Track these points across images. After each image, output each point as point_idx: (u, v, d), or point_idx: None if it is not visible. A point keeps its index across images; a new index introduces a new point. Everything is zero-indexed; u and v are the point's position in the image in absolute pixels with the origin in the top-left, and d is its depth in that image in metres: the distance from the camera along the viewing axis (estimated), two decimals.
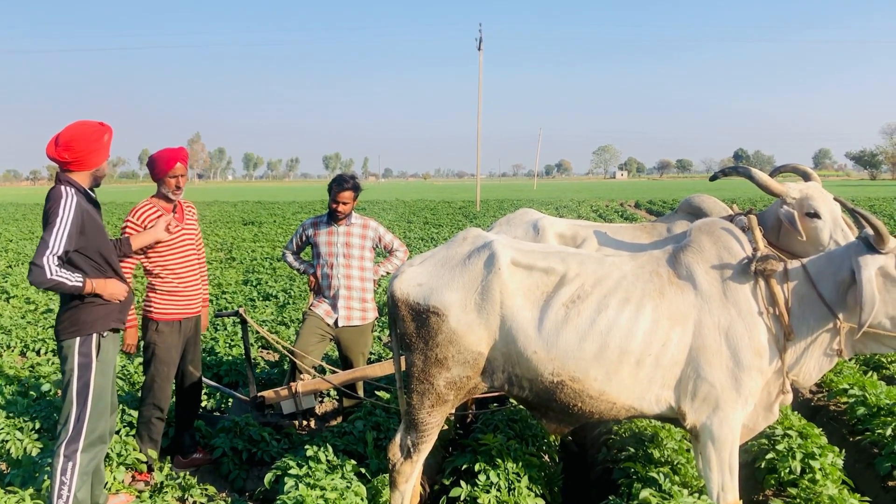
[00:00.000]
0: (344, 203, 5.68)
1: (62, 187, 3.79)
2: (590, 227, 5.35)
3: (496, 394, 5.67)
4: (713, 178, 5.30)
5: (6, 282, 13.13)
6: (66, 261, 3.76)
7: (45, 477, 4.26)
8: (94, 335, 3.86)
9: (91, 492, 4.03)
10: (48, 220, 3.71)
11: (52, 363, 7.14)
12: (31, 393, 6.18)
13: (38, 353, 8.18)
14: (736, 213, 4.78)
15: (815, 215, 4.60)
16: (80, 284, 3.76)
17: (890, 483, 4.57)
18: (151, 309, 4.87)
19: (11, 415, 5.51)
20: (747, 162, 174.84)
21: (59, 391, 6.21)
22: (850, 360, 6.82)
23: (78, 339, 3.83)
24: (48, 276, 3.64)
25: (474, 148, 38.75)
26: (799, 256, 4.19)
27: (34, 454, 4.91)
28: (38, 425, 5.44)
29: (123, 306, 4.06)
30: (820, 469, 4.33)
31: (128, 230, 4.73)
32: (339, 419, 5.94)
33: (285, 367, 7.05)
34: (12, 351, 8.23)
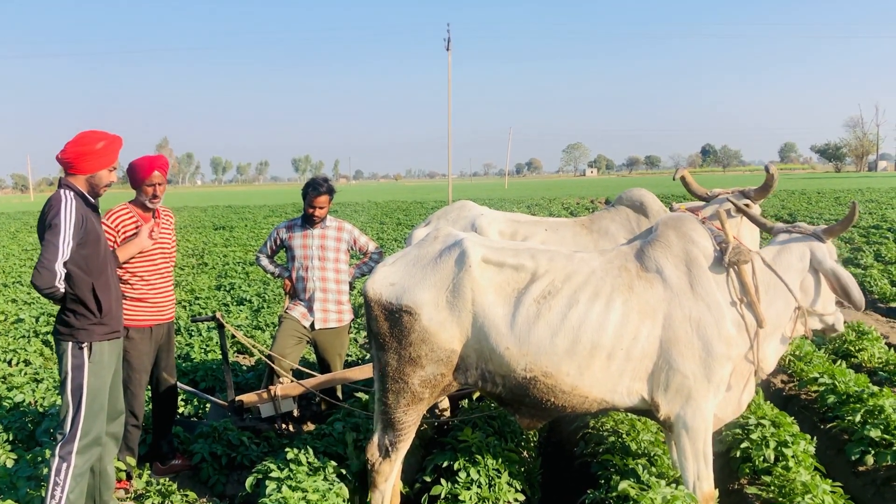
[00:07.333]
0: (320, 207, 5.70)
1: (61, 191, 3.84)
2: (529, 222, 5.51)
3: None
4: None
5: None
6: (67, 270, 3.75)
7: (28, 489, 4.24)
8: (86, 343, 3.87)
9: (100, 496, 4.07)
10: (51, 223, 3.72)
11: (25, 374, 7.06)
12: (4, 404, 6.11)
13: (9, 363, 8.07)
14: (675, 206, 5.06)
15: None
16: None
17: (860, 468, 4.68)
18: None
19: None
20: (714, 157, 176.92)
21: (33, 401, 6.17)
22: (819, 349, 6.97)
23: (71, 342, 3.84)
24: (55, 282, 3.67)
25: (445, 148, 38.81)
26: None
27: (9, 465, 4.86)
28: (11, 436, 5.38)
29: (118, 318, 4.07)
30: (793, 456, 4.43)
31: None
32: (318, 422, 5.94)
33: (259, 368, 7.04)
34: None
